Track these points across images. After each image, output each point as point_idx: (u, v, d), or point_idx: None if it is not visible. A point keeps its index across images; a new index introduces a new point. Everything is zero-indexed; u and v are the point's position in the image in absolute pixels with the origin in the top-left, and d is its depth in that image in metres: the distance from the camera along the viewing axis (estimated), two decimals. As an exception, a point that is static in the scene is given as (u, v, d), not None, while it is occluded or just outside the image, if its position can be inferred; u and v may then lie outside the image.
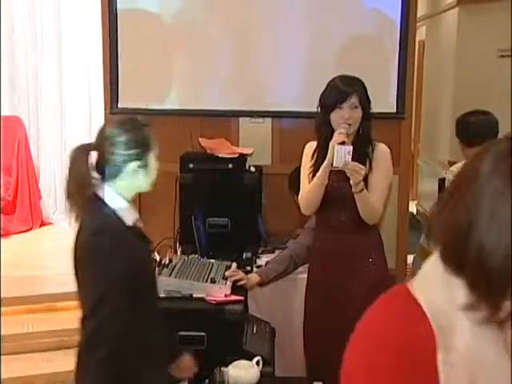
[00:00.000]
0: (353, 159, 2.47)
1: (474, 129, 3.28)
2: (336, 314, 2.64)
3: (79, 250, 1.88)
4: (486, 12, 6.09)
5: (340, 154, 2.48)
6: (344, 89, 2.55)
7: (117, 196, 1.93)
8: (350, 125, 2.54)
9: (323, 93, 2.62)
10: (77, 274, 1.92)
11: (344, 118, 2.54)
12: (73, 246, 1.90)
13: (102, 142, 1.92)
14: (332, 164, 2.50)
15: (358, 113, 2.56)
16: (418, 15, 7.94)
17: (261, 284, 3.02)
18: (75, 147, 1.95)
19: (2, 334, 3.55)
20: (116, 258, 1.83)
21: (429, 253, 3.12)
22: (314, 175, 2.62)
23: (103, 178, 1.92)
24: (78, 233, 1.90)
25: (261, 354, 2.54)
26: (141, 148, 1.96)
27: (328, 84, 2.63)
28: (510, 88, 6.02)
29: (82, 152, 1.91)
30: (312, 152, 2.67)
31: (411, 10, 4.06)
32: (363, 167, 2.50)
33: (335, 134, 2.52)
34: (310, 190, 2.61)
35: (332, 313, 2.66)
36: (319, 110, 2.63)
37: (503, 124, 6.02)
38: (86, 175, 1.88)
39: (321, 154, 2.62)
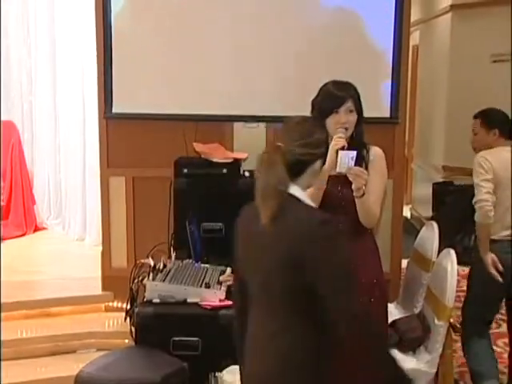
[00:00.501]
0: None
1: None
2: None
3: (305, 244, 1.79)
4: (479, 17, 6.12)
5: (344, 159, 2.48)
6: (340, 94, 2.57)
7: (303, 193, 1.94)
8: (346, 129, 2.56)
9: (316, 98, 2.63)
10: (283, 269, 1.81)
11: (340, 123, 2.55)
12: (280, 246, 1.82)
13: (292, 142, 1.89)
14: (336, 169, 2.50)
15: (354, 117, 2.58)
16: (412, 20, 7.98)
17: None
18: (269, 149, 1.91)
19: (2, 339, 3.54)
20: (341, 245, 1.85)
21: (422, 257, 3.14)
22: None
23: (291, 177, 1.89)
24: (283, 231, 1.83)
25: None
26: (324, 147, 1.99)
27: (321, 89, 2.63)
28: (503, 92, 6.04)
29: (277, 154, 1.86)
30: None
31: (405, 15, 4.08)
32: (366, 172, 2.51)
33: (334, 139, 2.52)
34: (311, 194, 2.58)
35: None
36: (313, 115, 2.63)
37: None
38: (284, 176, 1.85)
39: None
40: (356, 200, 2.53)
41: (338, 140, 2.52)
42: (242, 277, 2.00)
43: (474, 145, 3.83)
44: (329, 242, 1.79)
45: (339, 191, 2.59)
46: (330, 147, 2.51)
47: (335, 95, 2.57)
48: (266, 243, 1.85)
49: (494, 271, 3.29)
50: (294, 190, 1.89)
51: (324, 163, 2.03)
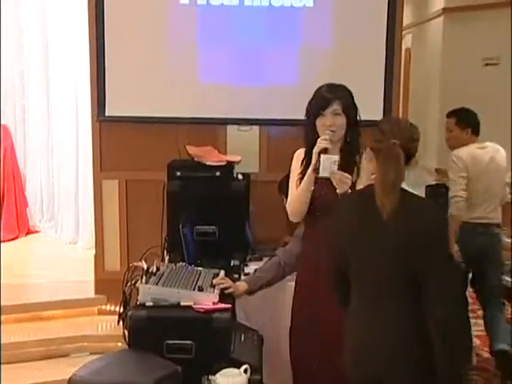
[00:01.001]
0: (342, 166, 2.49)
1: None
2: (323, 323, 2.65)
3: (435, 232, 2.01)
4: (470, 21, 6.16)
5: (325, 163, 2.49)
6: (326, 96, 2.59)
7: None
8: (333, 131, 2.56)
9: (310, 101, 2.67)
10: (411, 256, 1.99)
11: (326, 125, 2.57)
12: (401, 235, 1.99)
13: (406, 139, 2.08)
14: (318, 173, 2.52)
15: (341, 120, 2.59)
16: (405, 24, 8.03)
17: (249, 292, 3.01)
18: (391, 144, 2.03)
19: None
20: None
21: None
22: (301, 182, 2.65)
23: None
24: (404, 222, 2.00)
25: (249, 362, 2.53)
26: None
27: (315, 92, 2.67)
28: (494, 94, 6.08)
29: (398, 150, 2.03)
30: (301, 159, 2.70)
31: (397, 19, 4.09)
32: (349, 177, 2.52)
33: (318, 141, 2.55)
34: (296, 196, 2.64)
35: (319, 322, 2.66)
36: (307, 117, 2.66)
37: (490, 129, 6.08)
38: (403, 173, 2.04)
39: (307, 161, 2.64)
40: None
41: (320, 142, 2.54)
42: (344, 264, 2.15)
43: (448, 142, 4.19)
44: (445, 234, 2.11)
45: (326, 194, 2.60)
46: (314, 150, 2.54)
47: (322, 97, 2.60)
48: (386, 233, 2.02)
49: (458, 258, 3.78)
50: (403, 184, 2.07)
51: None
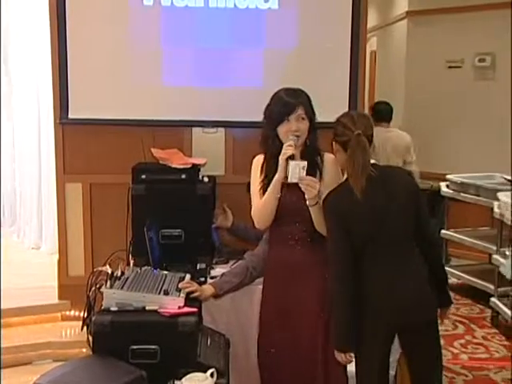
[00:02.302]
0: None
1: None
2: (291, 328, 2.64)
3: (413, 191, 2.58)
4: (434, 24, 6.24)
5: (294, 169, 2.49)
6: (290, 101, 2.57)
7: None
8: (298, 136, 2.56)
9: (268, 106, 2.63)
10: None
11: (291, 131, 2.55)
12: (399, 199, 2.51)
13: (365, 128, 2.50)
14: (287, 179, 2.51)
15: (306, 124, 2.59)
16: (370, 26, 8.10)
17: (215, 296, 2.99)
18: (356, 135, 2.44)
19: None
20: None
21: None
22: (265, 189, 2.61)
23: None
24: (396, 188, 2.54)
25: (215, 365, 2.51)
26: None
27: (272, 97, 2.63)
28: (457, 96, 6.17)
29: (364, 139, 2.45)
30: (260, 166, 2.66)
31: (361, 22, 4.11)
32: (317, 181, 2.53)
33: (284, 147, 2.52)
34: (262, 204, 2.60)
35: (286, 326, 2.65)
36: (265, 123, 2.62)
37: (455, 127, 6.17)
38: (369, 153, 2.48)
39: (269, 167, 2.61)
40: (310, 209, 2.53)
41: (287, 149, 2.52)
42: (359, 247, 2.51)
43: None
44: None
45: (293, 200, 2.60)
46: (281, 156, 2.52)
47: (286, 102, 2.56)
48: (386, 202, 2.48)
49: None
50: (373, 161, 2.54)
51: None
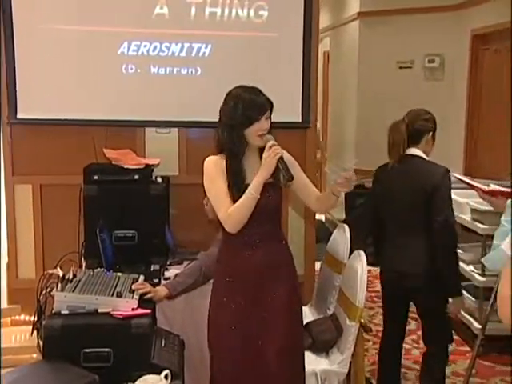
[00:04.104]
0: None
1: None
2: (256, 329, 2.62)
3: (427, 189, 3.05)
4: (384, 25, 6.34)
5: (288, 168, 2.53)
6: (263, 101, 2.55)
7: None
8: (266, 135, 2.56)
9: (232, 106, 2.54)
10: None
11: (263, 129, 2.54)
12: (414, 187, 3.08)
13: (412, 117, 3.20)
14: (281, 179, 2.54)
15: (269, 123, 2.59)
16: (323, 26, 8.19)
17: (169, 297, 2.97)
18: (399, 120, 3.22)
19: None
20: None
21: (335, 259, 3.23)
22: (235, 192, 2.54)
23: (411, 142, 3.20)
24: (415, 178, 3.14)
25: (169, 367, 2.49)
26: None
27: (235, 97, 2.55)
28: (408, 96, 6.28)
29: (403, 123, 3.17)
30: (222, 168, 2.58)
31: (313, 22, 4.14)
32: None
33: (274, 149, 2.48)
34: (239, 207, 2.51)
35: (250, 328, 2.62)
36: (229, 126, 2.54)
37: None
38: (404, 140, 3.16)
39: (236, 169, 2.56)
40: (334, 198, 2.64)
41: (276, 149, 2.50)
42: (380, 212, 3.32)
43: None
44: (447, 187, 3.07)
45: (270, 200, 2.59)
46: (267, 156, 2.49)
47: (258, 102, 2.54)
48: (401, 188, 3.14)
49: None
50: (414, 151, 3.17)
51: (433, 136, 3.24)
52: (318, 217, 6.86)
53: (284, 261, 2.69)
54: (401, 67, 6.37)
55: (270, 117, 2.59)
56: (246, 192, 2.50)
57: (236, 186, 2.54)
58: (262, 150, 2.56)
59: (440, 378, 3.28)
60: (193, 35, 4.03)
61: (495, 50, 5.49)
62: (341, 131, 7.63)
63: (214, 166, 2.59)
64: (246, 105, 2.52)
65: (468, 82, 5.80)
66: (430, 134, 3.21)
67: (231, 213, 2.51)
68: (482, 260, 2.23)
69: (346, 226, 3.56)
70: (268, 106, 2.55)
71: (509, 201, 2.16)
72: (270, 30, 4.07)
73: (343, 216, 6.82)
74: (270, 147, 2.49)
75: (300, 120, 4.17)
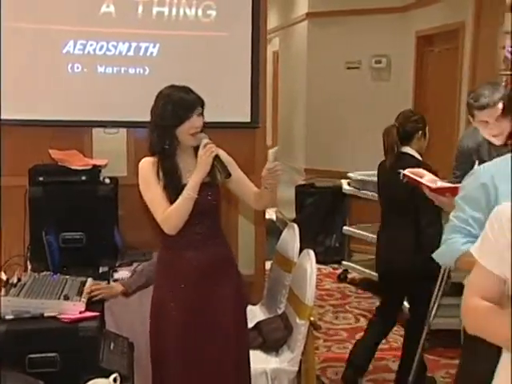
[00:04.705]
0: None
1: None
2: (203, 329, 2.62)
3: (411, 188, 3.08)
4: (332, 26, 6.41)
5: (225, 165, 2.54)
6: (192, 98, 2.55)
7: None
8: (199, 133, 2.56)
9: (162, 106, 2.54)
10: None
11: (195, 127, 2.54)
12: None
13: (403, 120, 3.51)
14: (210, 178, 2.54)
15: (202, 120, 2.58)
16: (272, 27, 8.23)
17: (125, 294, 2.96)
18: (390, 125, 3.52)
19: None
20: None
21: (285, 258, 3.24)
22: (171, 193, 2.53)
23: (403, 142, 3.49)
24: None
25: (118, 370, 2.46)
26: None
27: (164, 96, 2.55)
28: (356, 97, 6.37)
29: (393, 127, 3.47)
30: (156, 169, 2.57)
31: (262, 22, 4.16)
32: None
33: (208, 147, 2.49)
34: (177, 208, 2.50)
35: (189, 329, 2.62)
36: (160, 126, 2.54)
37: (354, 127, 6.37)
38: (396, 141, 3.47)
39: (170, 169, 2.56)
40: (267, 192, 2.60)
41: (211, 147, 2.50)
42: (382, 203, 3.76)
43: None
44: None
45: (208, 198, 2.59)
46: (202, 155, 2.49)
47: (188, 100, 2.54)
48: (393, 182, 3.25)
49: None
50: (406, 149, 3.48)
51: (424, 133, 3.52)
52: (268, 216, 6.90)
53: (226, 260, 2.69)
54: (349, 67, 6.45)
55: (203, 115, 2.59)
56: (183, 192, 2.49)
57: (172, 187, 2.54)
58: (197, 149, 2.57)
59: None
60: (140, 34, 3.99)
61: (439, 52, 5.62)
62: (291, 131, 7.68)
63: (149, 168, 2.57)
64: (175, 103, 2.52)
65: (413, 83, 5.92)
66: (420, 132, 3.51)
67: (168, 214, 2.51)
68: (433, 256, 2.27)
69: (296, 226, 3.59)
70: (198, 103, 2.55)
71: (456, 197, 2.21)
72: (218, 29, 4.07)
73: (294, 215, 6.87)
74: (205, 145, 2.50)
75: (249, 120, 4.17)
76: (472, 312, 1.55)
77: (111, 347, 2.68)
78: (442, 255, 2.23)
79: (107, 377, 2.39)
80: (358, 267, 5.51)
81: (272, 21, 8.30)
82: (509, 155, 2.04)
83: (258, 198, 2.71)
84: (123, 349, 2.76)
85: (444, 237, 2.21)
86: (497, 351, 1.58)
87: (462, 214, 2.12)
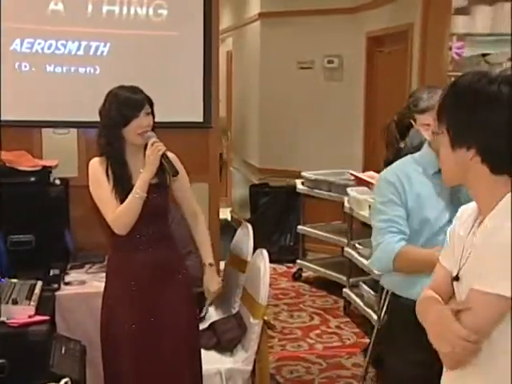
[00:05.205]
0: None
1: None
2: (144, 332, 2.60)
3: None
4: (285, 26, 6.43)
5: (173, 163, 2.54)
6: (138, 97, 2.54)
7: None
8: (147, 132, 2.55)
9: (108, 106, 2.54)
10: None
11: (143, 126, 2.53)
12: None
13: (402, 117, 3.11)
14: (158, 176, 2.53)
15: (151, 119, 2.57)
16: (225, 26, 8.22)
17: None
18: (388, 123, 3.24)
19: None
20: None
21: (239, 258, 3.25)
22: (120, 193, 2.52)
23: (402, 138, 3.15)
24: None
25: (70, 375, 2.43)
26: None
27: (112, 97, 2.55)
28: (308, 97, 6.42)
29: (391, 124, 3.17)
30: (105, 170, 2.56)
31: (213, 22, 4.15)
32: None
33: (156, 145, 2.49)
34: (127, 208, 2.49)
35: (140, 331, 2.60)
36: (107, 126, 2.54)
37: (306, 126, 6.42)
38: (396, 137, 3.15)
39: (119, 169, 2.55)
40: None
41: (159, 145, 2.50)
42: None
43: None
44: None
45: (155, 199, 2.58)
46: (150, 154, 2.48)
47: (134, 100, 2.53)
48: None
49: None
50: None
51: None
52: (223, 216, 6.89)
53: (175, 261, 2.69)
54: (302, 67, 6.48)
55: (153, 115, 2.58)
56: (132, 192, 2.49)
57: (121, 187, 2.53)
58: (146, 149, 2.57)
59: None
60: (90, 33, 3.95)
61: (389, 52, 5.71)
62: (244, 130, 7.69)
63: (98, 168, 2.57)
64: (122, 103, 2.52)
65: (365, 83, 5.99)
66: None
67: (118, 214, 2.50)
68: (369, 264, 2.30)
69: (249, 225, 3.59)
70: (146, 102, 2.55)
71: (376, 204, 2.25)
72: (169, 29, 4.05)
73: (249, 215, 6.88)
74: (152, 144, 2.50)
75: (202, 120, 4.16)
76: (420, 301, 1.59)
77: (62, 351, 2.65)
78: (378, 260, 2.22)
79: (58, 382, 2.35)
80: (312, 266, 5.55)
81: (225, 21, 8.29)
82: (408, 157, 2.29)
83: (192, 221, 2.76)
84: (75, 352, 2.72)
85: (374, 243, 2.22)
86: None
87: (385, 215, 2.18)
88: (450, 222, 2.13)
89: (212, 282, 2.74)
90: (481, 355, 1.41)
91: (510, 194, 1.41)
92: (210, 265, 2.73)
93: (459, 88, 1.46)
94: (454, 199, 2.16)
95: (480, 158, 1.42)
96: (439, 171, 2.17)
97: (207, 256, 2.75)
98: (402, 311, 2.21)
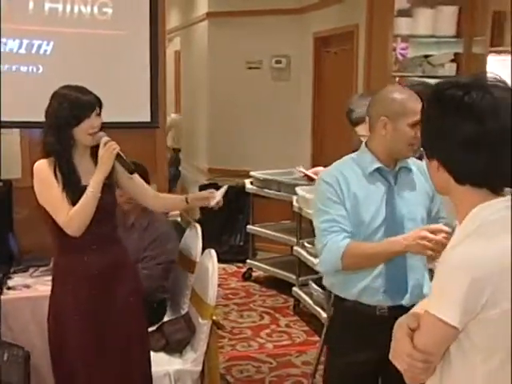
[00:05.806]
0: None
1: None
2: (91, 334, 2.57)
3: None
4: (233, 26, 6.44)
5: (125, 161, 2.55)
6: (89, 98, 2.51)
7: None
8: (97, 132, 2.53)
9: (56, 107, 2.49)
10: None
11: (94, 127, 2.51)
12: None
13: None
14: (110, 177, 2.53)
15: (100, 120, 2.55)
16: (173, 26, 8.18)
17: None
18: None
19: None
20: None
21: (187, 258, 3.25)
22: (71, 194, 2.47)
23: None
24: None
25: (13, 381, 2.38)
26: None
27: (60, 97, 2.51)
28: (257, 96, 6.44)
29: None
30: (54, 171, 2.51)
31: (160, 21, 4.12)
32: None
33: (109, 144, 2.48)
34: (84, 207, 2.45)
35: (87, 332, 2.57)
36: (55, 127, 2.49)
37: (255, 126, 6.43)
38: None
39: (68, 170, 2.51)
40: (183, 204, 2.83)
41: (112, 144, 2.49)
42: None
43: None
44: None
45: (110, 199, 2.58)
46: (104, 152, 2.46)
47: (85, 100, 2.50)
48: None
49: None
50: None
51: None
52: (173, 217, 6.83)
53: (122, 262, 2.67)
54: (250, 67, 6.50)
55: (100, 115, 2.55)
56: (87, 191, 2.47)
57: (72, 188, 2.50)
58: (93, 149, 2.55)
59: None
60: (32, 31, 3.86)
61: (335, 53, 5.77)
62: (193, 131, 7.66)
63: (46, 170, 2.52)
64: (72, 104, 2.48)
65: (312, 82, 6.04)
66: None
67: (73, 215, 2.46)
68: (317, 266, 2.29)
69: (198, 225, 3.57)
70: (96, 103, 2.53)
71: (317, 206, 2.27)
72: (115, 27, 4.00)
73: (198, 215, 6.84)
74: (105, 144, 2.49)
75: (149, 120, 4.12)
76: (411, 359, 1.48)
77: (5, 358, 2.59)
78: (327, 261, 2.20)
79: (1, 388, 2.30)
80: (262, 265, 5.56)
81: (173, 20, 8.24)
82: (348, 157, 2.32)
83: (163, 202, 2.85)
84: (18, 358, 2.67)
85: (319, 245, 2.21)
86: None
87: (328, 216, 2.19)
88: (385, 221, 2.18)
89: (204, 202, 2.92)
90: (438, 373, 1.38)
91: (475, 210, 1.36)
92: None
93: (428, 98, 1.43)
94: (390, 199, 2.20)
95: (444, 168, 1.39)
96: (376, 170, 2.23)
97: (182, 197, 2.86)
98: (343, 311, 2.24)
